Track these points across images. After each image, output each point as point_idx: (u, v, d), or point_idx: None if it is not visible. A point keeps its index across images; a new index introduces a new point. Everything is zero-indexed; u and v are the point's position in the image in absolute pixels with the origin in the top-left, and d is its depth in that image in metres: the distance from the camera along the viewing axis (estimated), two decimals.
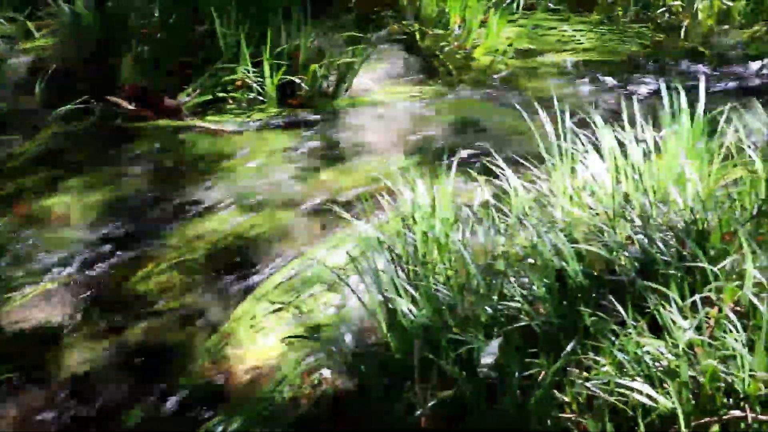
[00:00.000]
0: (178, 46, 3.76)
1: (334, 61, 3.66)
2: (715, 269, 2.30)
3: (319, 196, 3.22)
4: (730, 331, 2.14)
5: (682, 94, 2.87)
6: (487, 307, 2.39)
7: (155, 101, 3.65)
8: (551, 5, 3.94)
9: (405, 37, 3.87)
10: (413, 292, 2.46)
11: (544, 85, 3.60)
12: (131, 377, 2.59)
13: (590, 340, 2.30)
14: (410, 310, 2.41)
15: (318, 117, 3.63)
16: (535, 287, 2.43)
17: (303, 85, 3.66)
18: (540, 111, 2.96)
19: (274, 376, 2.54)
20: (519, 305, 2.39)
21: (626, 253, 2.52)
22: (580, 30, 3.86)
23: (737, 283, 2.32)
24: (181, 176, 3.34)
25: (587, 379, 2.21)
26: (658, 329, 2.23)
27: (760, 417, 2.02)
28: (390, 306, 2.45)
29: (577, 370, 2.25)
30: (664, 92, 2.91)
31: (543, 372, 2.22)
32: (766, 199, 2.58)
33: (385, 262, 2.53)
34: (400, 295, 2.45)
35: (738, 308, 2.29)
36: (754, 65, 3.55)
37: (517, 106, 3.34)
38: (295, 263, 2.91)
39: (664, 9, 3.84)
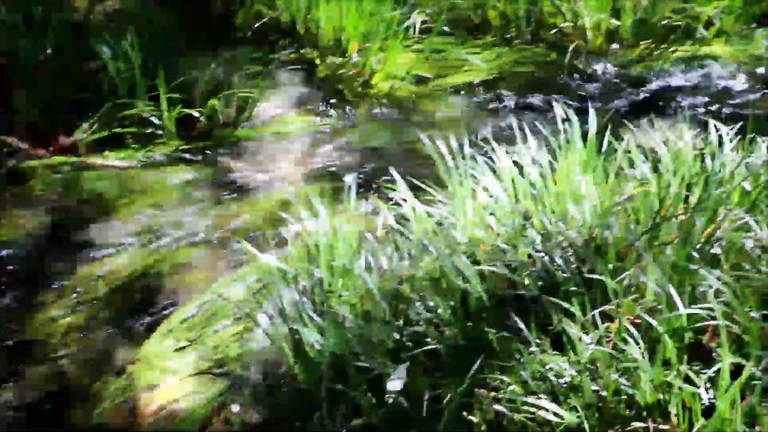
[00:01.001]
0: (72, 82, 3.70)
1: (233, 92, 3.65)
2: (613, 284, 2.35)
3: (222, 230, 3.19)
4: (630, 344, 2.19)
5: (573, 113, 2.93)
6: (393, 333, 2.40)
7: (50, 139, 3.57)
8: (446, 29, 4.00)
9: (304, 65, 3.88)
10: (319, 321, 2.45)
11: (443, 108, 3.65)
12: (32, 425, 2.51)
13: (496, 359, 2.32)
14: (317, 340, 2.41)
15: (219, 149, 3.61)
16: (440, 310, 2.45)
17: (201, 118, 3.63)
18: (440, 134, 2.99)
19: (183, 415, 2.49)
20: (425, 329, 2.40)
21: (529, 272, 2.56)
22: (477, 53, 3.92)
23: (635, 296, 2.38)
24: (79, 215, 3.27)
25: (495, 399, 2.23)
26: (562, 345, 2.27)
27: (661, 427, 2.06)
28: (296, 337, 2.44)
29: (485, 391, 2.27)
30: (557, 111, 2.97)
31: (451, 394, 2.23)
32: (659, 212, 2.65)
33: (290, 293, 2.52)
34: (306, 326, 2.44)
35: (637, 320, 2.34)
36: (643, 83, 3.66)
37: (418, 130, 3.38)
38: (199, 299, 2.88)
39: (555, 30, 3.92)
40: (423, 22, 3.93)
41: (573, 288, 2.42)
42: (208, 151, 3.59)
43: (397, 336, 2.40)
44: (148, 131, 3.62)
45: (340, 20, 3.86)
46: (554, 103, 3.03)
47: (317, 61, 3.88)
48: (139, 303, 2.88)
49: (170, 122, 3.59)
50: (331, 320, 2.41)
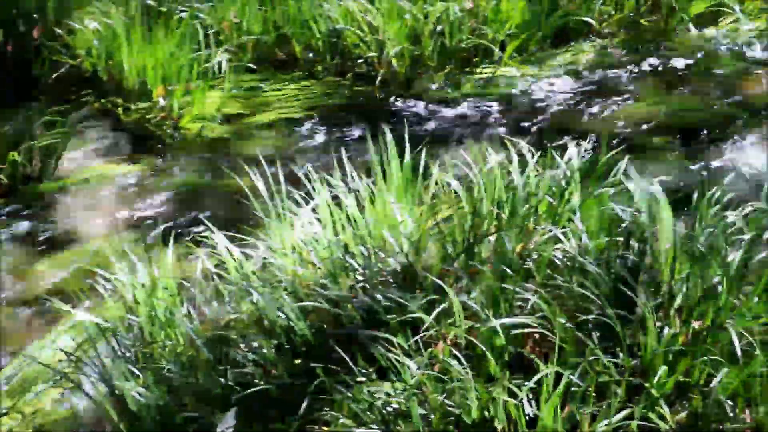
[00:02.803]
0: None
1: (34, 143, 3.52)
2: (432, 310, 2.39)
3: (34, 289, 3.06)
4: (452, 365, 2.23)
5: (386, 141, 2.98)
6: (219, 378, 2.36)
7: None
8: (252, 66, 3.99)
9: (110, 113, 3.78)
10: (142, 375, 2.38)
11: (256, 145, 3.63)
12: None
13: (326, 394, 2.32)
14: (140, 395, 2.33)
15: (25, 205, 3.46)
16: (265, 350, 2.43)
17: (1, 175, 3.48)
18: (254, 171, 2.98)
19: None
20: (252, 370, 2.37)
21: (352, 303, 2.57)
22: (284, 88, 3.93)
23: (454, 319, 2.43)
24: None
25: None
26: (389, 373, 2.29)
27: None
28: (119, 393, 2.36)
29: (317, 427, 2.26)
30: (369, 141, 3.02)
31: None
32: (472, 232, 2.72)
33: (109, 348, 2.44)
34: (128, 381, 2.36)
35: (459, 340, 2.39)
36: (452, 106, 3.76)
37: (231, 170, 3.35)
38: (14, 363, 2.74)
39: (361, 60, 3.99)
40: (228, 61, 3.91)
41: (395, 315, 2.45)
42: (14, 208, 3.44)
43: (223, 381, 2.36)
44: None
45: (143, 65, 3.79)
46: (367, 133, 3.06)
47: (123, 108, 3.80)
48: None
49: None
50: (153, 372, 2.35)
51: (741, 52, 3.88)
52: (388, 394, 2.21)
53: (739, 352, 2.18)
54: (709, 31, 4.04)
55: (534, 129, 3.30)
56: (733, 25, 4.04)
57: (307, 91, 3.93)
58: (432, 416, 2.15)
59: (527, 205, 2.78)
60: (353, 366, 2.27)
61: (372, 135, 3.25)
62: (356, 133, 3.55)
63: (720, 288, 2.38)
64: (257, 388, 2.32)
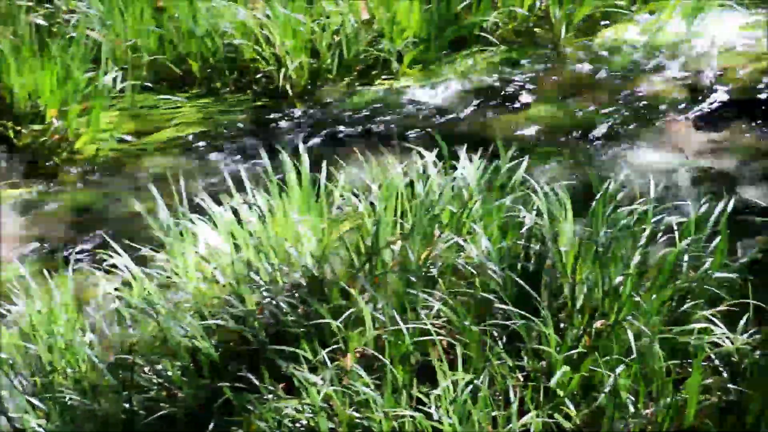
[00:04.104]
0: None
1: None
2: (337, 321, 2.38)
3: None
4: (362, 377, 2.23)
5: (287, 154, 2.97)
6: (123, 404, 2.31)
7: None
8: (149, 85, 3.93)
9: (1, 138, 3.68)
10: (42, 405, 2.32)
11: (155, 164, 3.58)
12: None
13: (234, 414, 2.29)
14: (41, 426, 2.27)
15: None
16: (170, 372, 2.38)
17: None
18: (156, 190, 2.93)
19: None
20: (156, 394, 2.33)
21: (257, 320, 2.55)
22: (183, 106, 3.88)
23: (361, 328, 2.43)
24: None
25: None
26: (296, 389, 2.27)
27: None
28: (18, 426, 2.29)
29: None
30: (264, 156, 3.00)
31: None
32: (376, 243, 2.73)
33: (6, 380, 2.37)
34: (27, 412, 2.29)
35: (367, 351, 2.39)
36: (352, 117, 3.76)
37: (131, 190, 3.29)
38: None
39: (260, 75, 3.96)
40: (125, 80, 3.84)
41: (301, 330, 2.44)
42: None
43: (128, 406, 2.32)
44: None
45: (35, 86, 3.70)
46: (267, 148, 3.05)
47: (15, 132, 3.69)
48: None
49: None
50: (53, 402, 2.28)
51: (629, 55, 3.98)
52: (296, 410, 2.20)
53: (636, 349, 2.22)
54: (598, 37, 4.14)
55: (435, 137, 3.32)
56: (621, 29, 4.14)
57: (206, 109, 3.89)
58: (340, 429, 2.14)
59: (429, 214, 2.79)
60: (259, 383, 2.25)
61: (272, 149, 3.24)
62: (256, 148, 3.52)
63: (620, 286, 2.43)
64: (163, 411, 2.28)
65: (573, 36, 4.12)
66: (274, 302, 2.57)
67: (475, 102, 3.83)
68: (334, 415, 2.17)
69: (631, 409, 2.14)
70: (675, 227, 2.67)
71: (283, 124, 3.79)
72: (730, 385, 2.19)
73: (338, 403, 2.17)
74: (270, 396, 2.25)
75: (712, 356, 2.26)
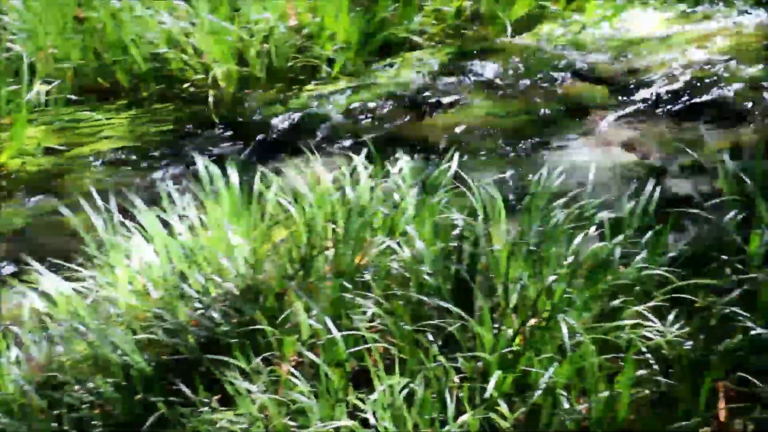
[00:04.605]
0: None
1: None
2: (272, 328, 2.36)
3: None
4: (297, 385, 2.21)
5: (217, 164, 2.94)
6: (53, 424, 2.26)
7: None
8: (74, 97, 3.87)
9: None
10: None
11: (82, 178, 3.52)
12: None
13: (169, 428, 2.26)
14: None
15: None
16: (102, 389, 2.34)
17: None
18: (82, 205, 2.89)
19: None
20: (88, 412, 2.29)
21: (191, 332, 2.52)
22: (110, 118, 3.82)
23: (296, 335, 2.41)
24: None
25: None
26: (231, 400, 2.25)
27: None
28: None
29: None
30: (195, 166, 2.97)
31: None
32: (309, 249, 2.71)
33: None
34: None
35: (302, 359, 2.37)
36: (283, 123, 3.74)
37: (57, 204, 3.22)
38: None
39: (188, 84, 3.92)
40: (48, 93, 3.77)
41: (235, 340, 2.41)
42: None
43: (58, 427, 2.27)
44: None
45: None
46: (198, 157, 3.02)
47: None
48: None
49: None
50: None
51: (560, 55, 4.02)
52: (231, 421, 2.17)
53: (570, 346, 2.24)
54: (529, 37, 4.17)
55: (366, 141, 3.32)
56: (551, 29, 4.18)
57: (134, 120, 3.83)
58: None
59: (362, 219, 2.79)
60: (193, 396, 2.22)
61: (203, 159, 3.20)
62: (186, 158, 3.49)
63: (553, 284, 2.44)
64: (96, 430, 2.24)
65: (505, 36, 4.15)
66: (207, 313, 2.54)
67: (407, 104, 3.84)
68: (269, 425, 2.15)
69: (566, 405, 2.16)
70: (606, 223, 2.70)
71: (213, 133, 3.75)
72: (661, 378, 2.21)
73: (274, 412, 2.15)
74: (205, 408, 2.22)
75: (644, 350, 2.29)
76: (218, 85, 3.89)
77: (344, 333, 2.33)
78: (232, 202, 2.90)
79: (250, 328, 2.40)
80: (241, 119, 3.81)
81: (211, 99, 3.84)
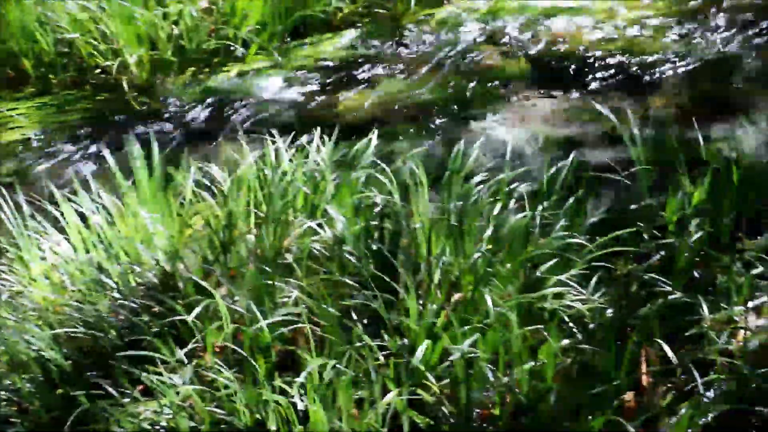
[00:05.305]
0: None
1: None
2: (192, 317, 2.32)
3: None
4: (221, 373, 2.18)
5: (136, 149, 2.87)
6: None
7: None
8: None
9: None
10: None
11: None
12: None
13: (92, 422, 2.21)
14: None
15: None
16: (19, 386, 2.28)
17: None
18: None
19: None
20: (5, 410, 2.23)
21: (111, 324, 2.47)
22: (18, 106, 3.71)
23: (219, 323, 2.37)
24: None
25: None
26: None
27: None
28: None
29: None
30: (108, 154, 2.91)
31: None
32: (228, 233, 2.68)
33: None
34: None
35: (226, 345, 2.34)
36: (198, 107, 3.68)
37: None
38: None
39: (99, 70, 3.83)
40: None
41: (156, 330, 2.37)
42: None
43: None
44: None
45: None
46: (110, 145, 2.96)
47: None
48: None
49: None
50: None
51: (469, 28, 4.03)
52: (156, 413, 2.13)
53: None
54: (443, 12, 4.17)
55: (285, 122, 3.28)
56: (468, 3, 4.19)
57: (43, 108, 3.73)
58: (202, 427, 2.09)
59: (283, 201, 2.76)
60: (114, 389, 2.17)
61: (117, 146, 3.14)
62: (100, 145, 3.41)
63: (475, 257, 2.45)
64: (12, 430, 2.18)
65: (416, 11, 4.14)
66: (126, 304, 2.49)
67: (325, 84, 3.81)
68: (195, 414, 2.11)
69: (491, 377, 2.17)
70: (525, 195, 2.71)
71: (125, 119, 3.67)
72: (584, 346, 2.24)
73: (198, 401, 2.12)
74: (127, 400, 2.17)
75: (567, 319, 2.31)
76: (130, 70, 3.81)
77: (267, 318, 2.30)
78: (149, 190, 2.84)
79: (171, 319, 2.35)
80: (155, 104, 3.74)
81: (124, 85, 3.75)
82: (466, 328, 2.24)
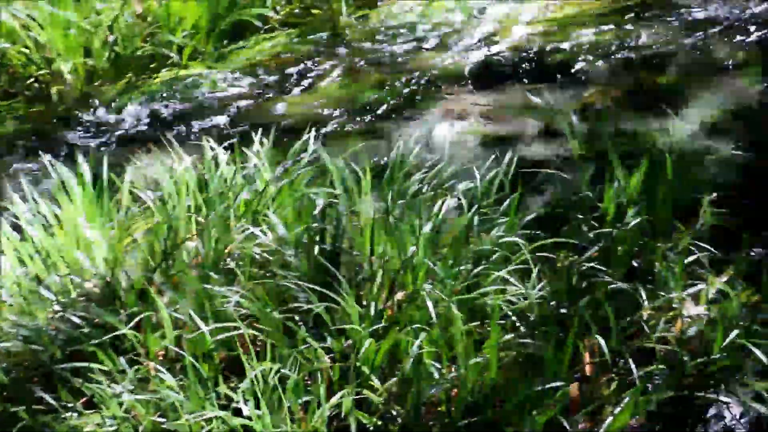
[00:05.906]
0: None
1: None
2: (132, 328, 2.29)
3: None
4: (164, 381, 2.15)
5: (68, 162, 2.84)
6: None
7: None
8: None
9: None
10: None
11: None
12: None
13: None
14: None
15: None
16: None
17: None
18: None
19: None
20: None
21: (51, 336, 2.43)
22: None
23: (162, 330, 2.35)
24: None
25: None
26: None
27: None
28: None
29: None
30: (45, 164, 2.86)
31: None
32: (170, 241, 2.65)
33: None
34: None
35: (169, 354, 2.31)
36: (134, 114, 3.64)
37: None
38: None
39: (32, 80, 3.77)
40: None
41: (98, 341, 2.33)
42: None
43: None
44: None
45: None
46: (45, 155, 2.91)
47: None
48: None
49: None
50: None
51: (406, 27, 4.04)
52: (98, 425, 2.10)
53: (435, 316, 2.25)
54: (379, 12, 4.18)
55: (223, 126, 3.26)
56: (403, 2, 4.20)
57: None
58: None
59: (223, 206, 2.74)
60: (56, 403, 2.14)
61: (52, 155, 3.09)
62: (35, 156, 3.35)
63: (416, 257, 2.45)
64: None
65: (351, 12, 4.14)
66: (66, 316, 2.45)
67: (262, 87, 3.79)
68: (138, 424, 2.09)
69: (435, 374, 2.17)
70: (463, 193, 2.72)
71: (61, 128, 3.62)
72: (527, 340, 2.25)
73: (141, 411, 2.09)
74: (70, 414, 2.14)
75: (509, 313, 2.32)
76: (64, 79, 3.76)
77: (210, 327, 2.27)
78: (86, 198, 2.80)
79: (111, 329, 2.32)
80: (90, 113, 3.69)
81: (54, 94, 3.70)
82: (410, 327, 2.23)
